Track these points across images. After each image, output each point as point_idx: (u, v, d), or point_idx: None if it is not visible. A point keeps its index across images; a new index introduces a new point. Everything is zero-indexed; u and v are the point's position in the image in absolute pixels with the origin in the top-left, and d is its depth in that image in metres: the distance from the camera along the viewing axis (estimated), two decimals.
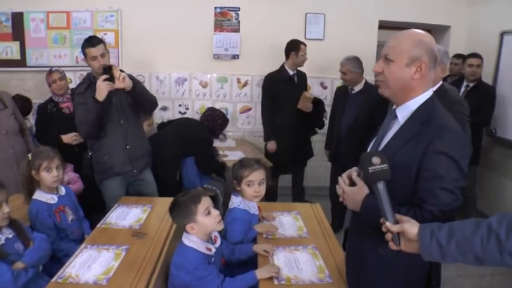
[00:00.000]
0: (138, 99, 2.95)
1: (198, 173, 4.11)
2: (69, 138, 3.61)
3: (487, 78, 4.40)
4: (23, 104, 3.91)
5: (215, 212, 1.98)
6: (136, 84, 2.90)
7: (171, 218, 2.03)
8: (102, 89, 2.70)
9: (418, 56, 1.46)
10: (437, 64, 2.53)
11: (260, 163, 2.43)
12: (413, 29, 1.55)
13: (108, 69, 2.72)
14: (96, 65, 2.84)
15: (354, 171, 1.56)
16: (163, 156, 3.45)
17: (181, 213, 1.94)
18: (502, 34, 4.45)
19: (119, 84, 2.73)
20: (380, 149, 1.55)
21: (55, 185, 2.47)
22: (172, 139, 3.72)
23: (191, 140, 3.74)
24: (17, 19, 4.96)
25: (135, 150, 3.07)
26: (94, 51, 2.82)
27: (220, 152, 4.37)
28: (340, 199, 1.58)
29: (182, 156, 3.83)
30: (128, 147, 3.03)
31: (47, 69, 3.83)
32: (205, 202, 1.96)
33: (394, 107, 1.61)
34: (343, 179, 1.57)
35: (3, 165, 3.01)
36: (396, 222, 1.30)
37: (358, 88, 3.98)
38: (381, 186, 1.33)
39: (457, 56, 4.72)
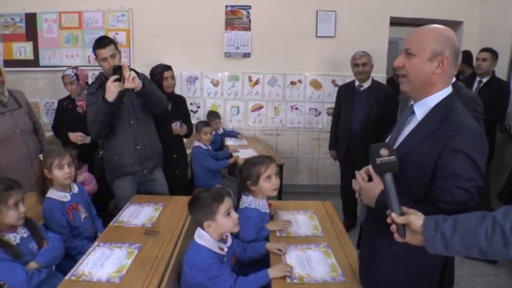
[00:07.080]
0: (148, 99, 2.94)
1: (209, 172, 4.12)
2: (74, 137, 3.67)
3: (500, 73, 4.33)
4: None
5: (235, 215, 1.99)
6: (147, 85, 2.89)
7: (189, 213, 2.03)
8: (111, 90, 2.69)
9: (440, 50, 1.44)
10: None
11: (269, 157, 2.45)
12: (435, 24, 1.52)
13: (117, 69, 2.71)
14: (106, 66, 2.84)
15: (371, 167, 1.55)
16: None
17: (202, 209, 1.94)
18: None
19: (128, 85, 2.71)
20: (397, 145, 1.54)
21: (67, 182, 2.48)
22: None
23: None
24: (30, 20, 5.04)
25: (145, 151, 3.04)
26: (104, 52, 2.82)
27: (235, 154, 4.34)
28: (356, 195, 1.58)
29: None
30: (137, 147, 3.01)
31: (60, 69, 3.87)
32: (227, 203, 1.97)
33: (412, 102, 1.59)
34: (361, 176, 1.56)
35: (17, 164, 3.04)
36: (402, 214, 1.30)
37: (366, 85, 3.98)
38: (388, 177, 1.33)
39: None
